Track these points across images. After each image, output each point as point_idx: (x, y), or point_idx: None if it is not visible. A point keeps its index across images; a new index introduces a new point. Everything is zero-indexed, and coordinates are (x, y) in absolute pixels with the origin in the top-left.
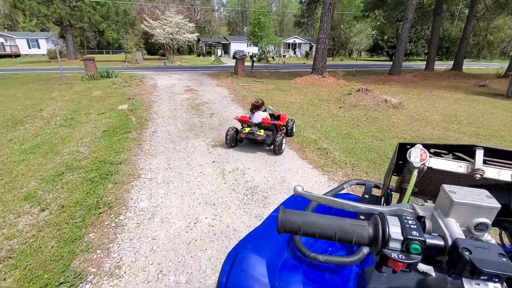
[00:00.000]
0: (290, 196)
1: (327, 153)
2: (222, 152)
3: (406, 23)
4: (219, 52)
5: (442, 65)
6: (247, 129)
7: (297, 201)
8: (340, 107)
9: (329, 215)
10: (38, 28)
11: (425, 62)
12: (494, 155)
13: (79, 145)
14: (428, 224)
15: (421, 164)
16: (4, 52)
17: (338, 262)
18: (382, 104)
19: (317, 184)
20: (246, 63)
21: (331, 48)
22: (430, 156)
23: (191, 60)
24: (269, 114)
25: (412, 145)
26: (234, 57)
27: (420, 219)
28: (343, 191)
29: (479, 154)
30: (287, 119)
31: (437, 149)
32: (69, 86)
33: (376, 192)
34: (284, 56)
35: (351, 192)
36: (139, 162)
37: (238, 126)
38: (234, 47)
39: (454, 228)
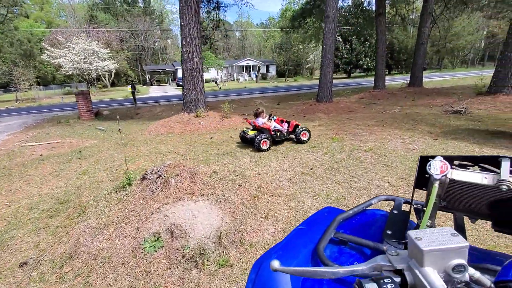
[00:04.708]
0: (319, 211)
1: None
2: None
3: (328, 23)
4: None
5: (401, 79)
6: (244, 130)
7: (323, 217)
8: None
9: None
10: None
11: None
12: None
13: None
14: (409, 278)
15: (442, 176)
16: None
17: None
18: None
19: None
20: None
21: (282, 68)
22: (452, 168)
23: (113, 93)
24: (284, 120)
25: (433, 157)
26: (177, 85)
27: (399, 272)
28: (371, 207)
29: (505, 165)
30: (296, 126)
31: (461, 161)
32: None
33: (407, 208)
34: (238, 79)
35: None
36: None
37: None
38: (180, 73)
39: (434, 279)
